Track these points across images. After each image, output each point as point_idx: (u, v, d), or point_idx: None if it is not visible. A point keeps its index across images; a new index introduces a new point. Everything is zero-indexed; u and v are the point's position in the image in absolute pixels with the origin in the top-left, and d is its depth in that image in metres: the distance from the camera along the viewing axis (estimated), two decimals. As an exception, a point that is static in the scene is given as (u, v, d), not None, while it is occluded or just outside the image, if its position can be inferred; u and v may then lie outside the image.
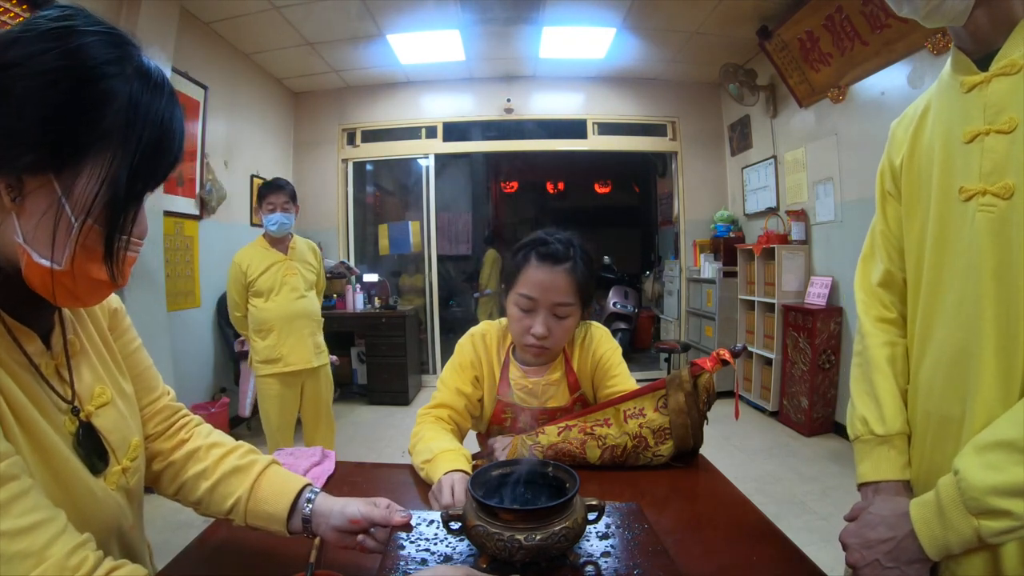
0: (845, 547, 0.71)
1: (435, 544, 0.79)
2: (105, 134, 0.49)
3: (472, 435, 1.34)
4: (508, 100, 4.94)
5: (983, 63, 0.68)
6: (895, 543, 0.64)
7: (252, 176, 4.29)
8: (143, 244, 0.58)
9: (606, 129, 5.09)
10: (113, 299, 0.74)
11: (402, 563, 0.75)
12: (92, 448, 0.60)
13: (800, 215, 3.95)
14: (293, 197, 2.52)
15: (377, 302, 4.75)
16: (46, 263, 0.50)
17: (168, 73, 3.02)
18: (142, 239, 0.57)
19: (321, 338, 2.65)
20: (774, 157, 4.30)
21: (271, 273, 2.48)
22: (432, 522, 0.85)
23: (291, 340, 2.49)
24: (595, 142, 5.08)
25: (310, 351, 2.55)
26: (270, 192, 2.46)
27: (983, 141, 0.67)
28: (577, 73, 4.91)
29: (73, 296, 0.54)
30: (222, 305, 3.76)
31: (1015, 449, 0.57)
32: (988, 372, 0.66)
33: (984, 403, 0.66)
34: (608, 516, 0.86)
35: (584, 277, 1.09)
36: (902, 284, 0.83)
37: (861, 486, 0.80)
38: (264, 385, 2.52)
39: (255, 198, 2.54)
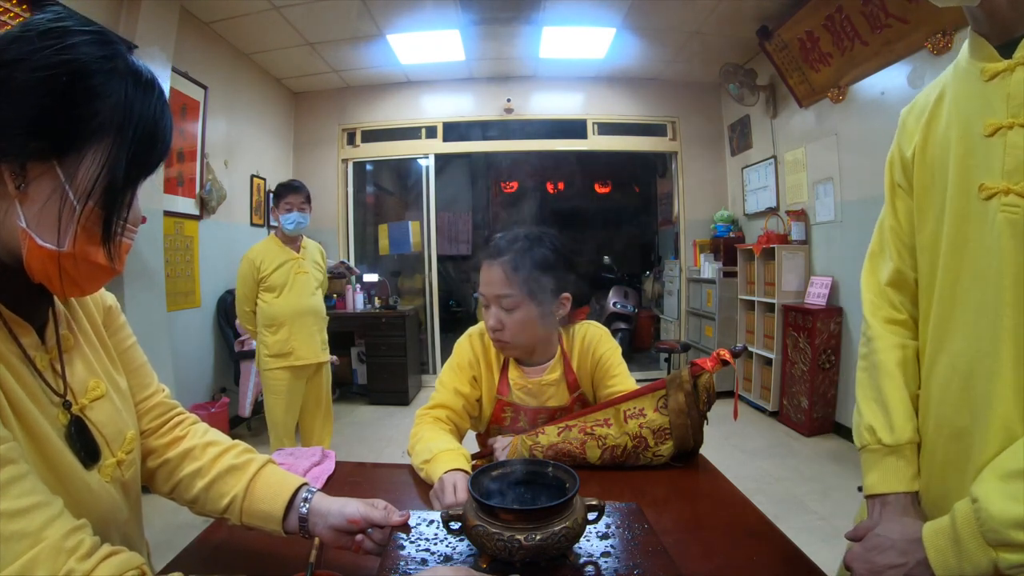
0: (850, 571, 0.68)
1: (435, 544, 0.79)
2: (103, 124, 0.53)
3: (472, 435, 1.34)
4: (508, 100, 4.94)
5: (1005, 50, 0.63)
6: (906, 570, 0.61)
7: (252, 176, 4.29)
8: (137, 231, 0.61)
9: (606, 129, 5.09)
10: (108, 296, 0.75)
11: (402, 563, 0.75)
12: (83, 444, 0.60)
13: (800, 215, 3.95)
14: (308, 199, 2.65)
15: (377, 302, 4.76)
16: (50, 246, 0.53)
17: (168, 73, 3.04)
18: (136, 226, 0.61)
19: (325, 336, 2.76)
20: (774, 157, 4.30)
21: (284, 270, 2.58)
22: (432, 522, 0.85)
23: (301, 335, 2.58)
24: (595, 142, 5.08)
25: (317, 346, 2.66)
26: (288, 192, 2.58)
27: (1006, 135, 0.62)
28: (577, 73, 4.91)
29: (73, 282, 0.56)
30: (222, 305, 3.76)
31: None
32: (1006, 385, 0.61)
33: (1001, 417, 0.62)
34: (608, 516, 0.86)
35: (525, 269, 1.09)
36: (913, 284, 0.78)
37: (868, 498, 0.76)
38: (273, 379, 2.58)
39: (272, 198, 2.69)
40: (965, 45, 0.69)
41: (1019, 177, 0.61)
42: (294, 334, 2.56)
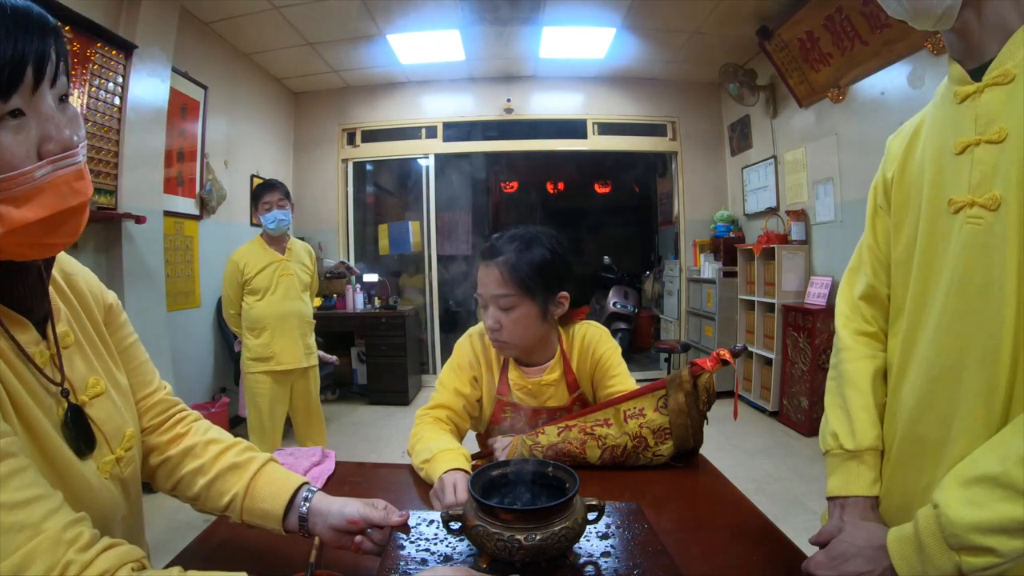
0: None
1: (435, 544, 0.79)
2: None
3: (472, 435, 1.34)
4: (508, 100, 4.94)
5: (978, 74, 0.66)
6: None
7: (252, 176, 4.29)
8: (77, 153, 0.53)
9: (606, 129, 5.09)
10: (108, 294, 0.74)
11: (402, 563, 0.75)
12: (79, 432, 0.60)
13: (800, 215, 3.95)
14: (287, 194, 2.58)
15: (377, 302, 4.75)
16: None
17: (168, 73, 3.04)
18: (71, 148, 0.52)
19: (312, 339, 2.68)
20: (774, 157, 4.30)
21: (267, 272, 2.52)
22: (432, 522, 0.85)
23: (283, 339, 2.52)
24: (595, 142, 5.08)
25: (301, 351, 2.58)
26: (264, 192, 2.53)
27: (973, 152, 0.65)
28: (577, 73, 4.91)
29: (43, 245, 0.53)
30: (222, 305, 3.76)
31: (997, 484, 0.55)
32: (971, 391, 0.64)
33: (966, 423, 0.64)
34: (608, 516, 0.86)
35: (521, 269, 1.09)
36: (885, 299, 0.82)
37: (830, 499, 0.79)
38: (254, 382, 2.52)
39: (252, 201, 2.60)
40: (947, 74, 0.73)
41: (983, 190, 0.64)
42: (276, 338, 2.49)
